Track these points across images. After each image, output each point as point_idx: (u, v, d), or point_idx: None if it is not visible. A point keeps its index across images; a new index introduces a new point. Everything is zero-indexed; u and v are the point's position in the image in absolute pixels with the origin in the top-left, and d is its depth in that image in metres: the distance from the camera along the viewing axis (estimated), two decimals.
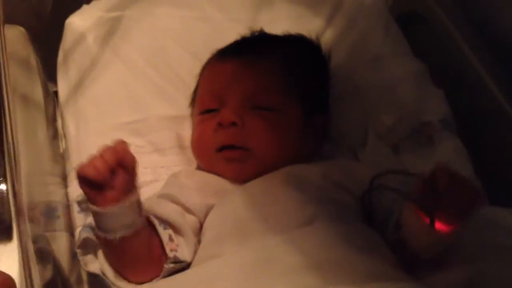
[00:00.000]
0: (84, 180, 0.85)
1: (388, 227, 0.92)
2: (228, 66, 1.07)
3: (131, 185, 0.87)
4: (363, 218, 0.97)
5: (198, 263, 0.93)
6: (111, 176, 0.85)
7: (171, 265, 0.92)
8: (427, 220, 0.82)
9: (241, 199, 0.97)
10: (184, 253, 0.93)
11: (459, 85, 1.27)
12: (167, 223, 0.94)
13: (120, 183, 0.86)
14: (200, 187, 1.01)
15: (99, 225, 0.88)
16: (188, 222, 0.96)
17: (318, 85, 1.13)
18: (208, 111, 1.06)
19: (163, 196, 1.00)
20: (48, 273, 0.90)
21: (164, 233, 0.93)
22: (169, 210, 0.96)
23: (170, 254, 0.92)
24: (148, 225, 0.92)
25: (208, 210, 0.99)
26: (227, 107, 1.03)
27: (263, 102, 1.03)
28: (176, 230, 0.94)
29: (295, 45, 1.15)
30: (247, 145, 1.01)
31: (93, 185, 0.85)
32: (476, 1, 1.23)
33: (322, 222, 0.91)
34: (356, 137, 1.18)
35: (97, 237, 0.91)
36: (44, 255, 0.90)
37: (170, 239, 0.93)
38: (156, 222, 0.93)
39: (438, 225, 0.81)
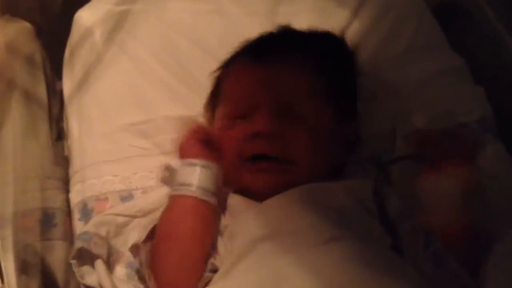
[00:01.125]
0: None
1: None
2: (261, 69, 0.98)
3: None
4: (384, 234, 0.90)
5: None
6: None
7: (209, 274, 0.87)
8: (441, 169, 0.86)
9: (258, 217, 0.90)
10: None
11: (502, 83, 1.15)
12: None
13: None
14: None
15: (203, 185, 0.89)
16: None
17: (349, 88, 1.04)
18: (237, 116, 0.97)
19: None
20: (34, 285, 0.83)
21: None
22: None
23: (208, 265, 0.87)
24: None
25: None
26: (262, 115, 0.93)
27: (300, 110, 0.95)
28: None
29: (326, 43, 1.06)
30: (288, 157, 0.93)
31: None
32: None
33: (339, 242, 0.84)
34: (382, 140, 1.07)
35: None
36: (29, 267, 0.84)
37: None
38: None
39: (451, 167, 0.86)
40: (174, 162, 0.94)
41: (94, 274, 0.93)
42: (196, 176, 0.89)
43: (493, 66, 1.17)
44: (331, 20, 1.17)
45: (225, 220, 0.92)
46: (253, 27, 1.10)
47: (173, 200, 0.91)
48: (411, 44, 1.18)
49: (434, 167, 0.88)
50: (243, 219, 0.91)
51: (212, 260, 0.87)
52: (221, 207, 0.93)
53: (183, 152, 0.94)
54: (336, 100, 0.99)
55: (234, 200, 0.94)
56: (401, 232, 0.91)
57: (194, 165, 0.90)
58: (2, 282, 0.75)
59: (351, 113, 1.03)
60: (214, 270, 0.87)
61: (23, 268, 0.81)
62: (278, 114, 0.94)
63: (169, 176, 0.92)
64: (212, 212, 0.90)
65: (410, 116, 1.08)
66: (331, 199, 0.92)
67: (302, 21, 1.11)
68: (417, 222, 0.90)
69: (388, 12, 1.21)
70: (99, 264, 0.93)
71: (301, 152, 0.93)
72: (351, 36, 1.15)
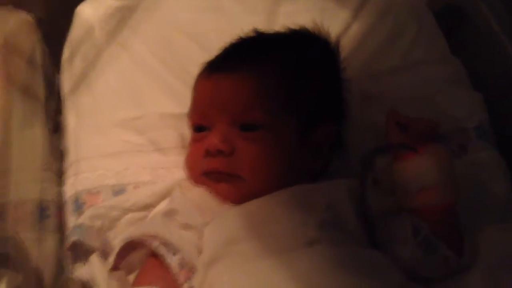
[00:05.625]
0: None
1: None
2: (213, 83, 0.97)
3: None
4: (369, 240, 0.91)
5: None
6: None
7: None
8: (412, 153, 0.92)
9: (236, 218, 0.91)
10: None
11: (502, 90, 1.14)
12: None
13: None
14: (198, 203, 0.95)
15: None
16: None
17: (322, 91, 1.00)
18: (199, 129, 0.98)
19: (171, 214, 0.94)
20: (16, 278, 0.83)
21: (174, 261, 0.87)
22: (179, 238, 0.90)
23: (185, 286, 0.86)
24: None
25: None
26: (214, 131, 0.95)
27: (252, 121, 0.94)
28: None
29: (295, 46, 1.03)
30: (236, 172, 0.93)
31: None
32: None
33: (322, 245, 0.84)
34: (375, 145, 1.06)
35: None
36: (9, 260, 0.84)
37: (182, 265, 0.88)
38: (163, 250, 0.87)
39: (421, 150, 0.92)
40: None
41: (85, 267, 0.93)
42: None
43: (493, 72, 1.16)
44: (332, 20, 1.15)
45: (206, 218, 0.92)
46: (252, 25, 1.08)
47: None
48: (411, 47, 1.17)
49: (412, 150, 0.92)
50: (222, 219, 0.91)
51: (189, 283, 0.87)
52: (203, 205, 0.94)
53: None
54: (303, 106, 0.97)
55: (214, 201, 0.94)
56: (385, 226, 0.92)
57: None
58: None
59: (325, 118, 1.00)
60: None
61: (2, 261, 0.81)
62: (231, 128, 0.94)
63: None
64: None
65: None
66: (311, 201, 0.91)
67: (302, 21, 1.08)
68: (402, 207, 0.93)
69: (389, 15, 1.20)
70: (94, 257, 0.94)
71: (248, 166, 0.92)
72: (350, 37, 1.14)
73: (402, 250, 0.90)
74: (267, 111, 0.94)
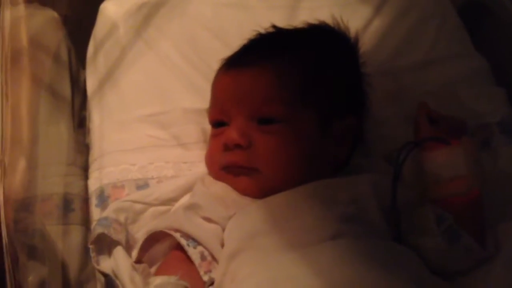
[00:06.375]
0: None
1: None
2: (230, 78, 0.99)
3: None
4: (393, 233, 0.90)
5: (217, 281, 0.88)
6: None
7: None
8: (443, 144, 0.93)
9: (259, 212, 0.91)
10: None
11: None
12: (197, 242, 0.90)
13: None
14: (221, 197, 0.96)
15: None
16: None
17: (340, 85, 1.01)
18: (218, 124, 0.99)
19: (193, 208, 0.94)
20: (43, 270, 0.85)
21: (195, 253, 0.89)
22: (202, 231, 0.91)
23: (205, 278, 0.88)
24: None
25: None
26: (232, 125, 0.96)
27: (270, 115, 0.95)
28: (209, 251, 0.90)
29: (313, 40, 1.04)
30: (255, 166, 0.94)
31: None
32: None
33: (345, 238, 0.85)
34: (397, 141, 1.05)
35: None
36: (37, 251, 0.86)
37: (203, 257, 0.89)
38: (184, 242, 0.89)
39: (454, 143, 0.93)
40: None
41: (109, 260, 0.94)
42: None
43: None
44: (353, 15, 1.15)
45: (230, 211, 0.93)
46: (274, 21, 1.09)
47: None
48: (433, 44, 1.17)
49: (445, 143, 0.93)
50: (244, 212, 0.91)
51: (209, 274, 0.88)
52: (227, 198, 0.95)
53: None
54: (321, 98, 0.97)
55: (237, 195, 0.95)
56: (408, 218, 0.92)
57: None
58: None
59: (343, 111, 1.00)
60: (213, 283, 0.88)
61: (30, 253, 0.82)
62: (249, 122, 0.95)
63: None
64: None
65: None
66: (334, 196, 0.92)
67: (323, 16, 1.09)
68: (427, 198, 0.93)
69: (411, 11, 1.20)
70: (119, 250, 0.94)
71: (266, 159, 0.93)
72: (371, 33, 1.14)
73: (425, 240, 0.90)
74: (285, 104, 0.94)
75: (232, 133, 0.95)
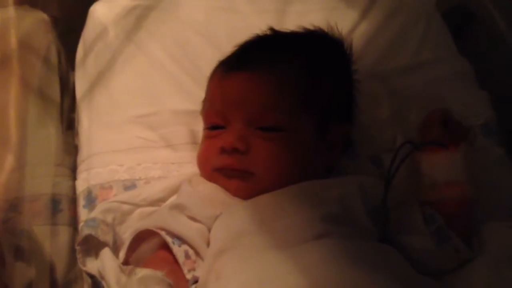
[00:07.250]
0: None
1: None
2: (231, 82, 0.99)
3: None
4: (381, 233, 0.91)
5: (202, 279, 0.88)
6: None
7: (193, 286, 0.89)
8: (442, 148, 0.96)
9: (246, 211, 0.92)
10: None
11: (509, 88, 1.16)
12: (182, 240, 0.91)
13: None
14: (209, 197, 0.96)
15: None
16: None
17: (337, 92, 1.02)
18: (214, 127, 1.00)
19: (178, 207, 0.95)
20: (29, 270, 0.85)
21: (180, 251, 0.89)
22: (187, 229, 0.92)
23: (188, 276, 0.89)
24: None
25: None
26: (230, 129, 0.96)
27: (269, 122, 0.95)
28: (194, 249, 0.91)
29: (310, 46, 1.04)
30: (249, 169, 0.95)
31: None
32: None
33: (330, 238, 0.86)
34: (382, 143, 1.08)
35: None
36: (24, 252, 0.86)
37: (187, 256, 0.90)
38: (169, 239, 0.90)
39: (452, 148, 0.97)
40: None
41: (95, 262, 0.95)
42: None
43: (500, 71, 1.17)
44: (340, 19, 1.15)
45: (216, 211, 0.93)
46: (264, 25, 1.09)
47: None
48: (419, 48, 1.19)
49: (443, 147, 0.96)
50: (231, 211, 0.92)
51: (192, 273, 0.89)
52: (214, 198, 0.95)
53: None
54: (319, 106, 0.98)
55: (225, 194, 0.96)
56: (396, 218, 0.93)
57: None
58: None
59: (339, 117, 1.01)
60: (196, 281, 0.89)
61: (17, 254, 0.83)
62: (247, 127, 0.95)
63: None
64: None
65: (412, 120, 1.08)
66: (321, 196, 0.93)
67: (312, 20, 1.10)
68: (418, 199, 0.95)
69: (397, 15, 1.22)
70: (106, 251, 0.94)
71: (263, 165, 0.94)
72: (358, 36, 1.16)
73: (414, 240, 0.92)
74: (284, 112, 0.95)
75: (230, 137, 0.95)
